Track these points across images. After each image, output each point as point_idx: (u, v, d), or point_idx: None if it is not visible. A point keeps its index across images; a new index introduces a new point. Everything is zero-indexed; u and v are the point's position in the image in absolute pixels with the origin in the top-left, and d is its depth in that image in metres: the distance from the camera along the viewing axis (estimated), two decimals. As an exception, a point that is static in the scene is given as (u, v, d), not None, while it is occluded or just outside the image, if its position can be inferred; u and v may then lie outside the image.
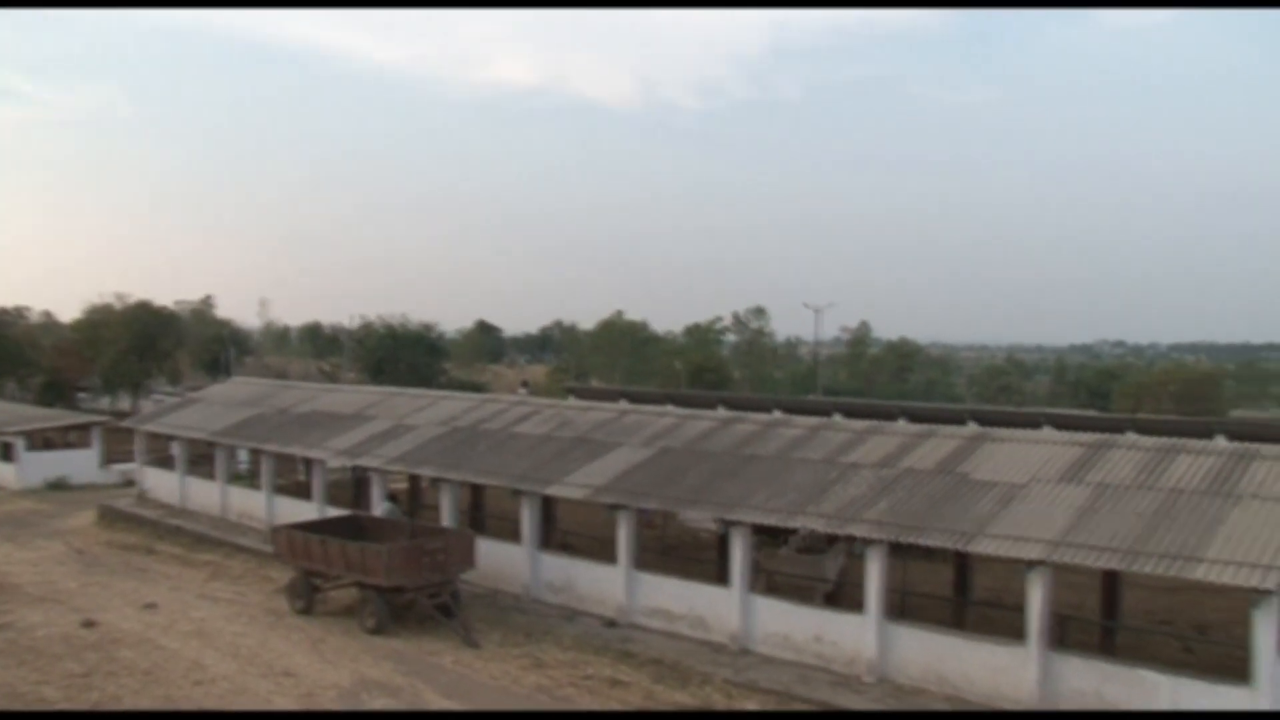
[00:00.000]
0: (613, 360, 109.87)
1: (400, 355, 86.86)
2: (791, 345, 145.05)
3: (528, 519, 24.79)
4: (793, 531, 22.24)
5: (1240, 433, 33.06)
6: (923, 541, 18.98)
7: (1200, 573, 16.22)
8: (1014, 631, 18.01)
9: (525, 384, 65.37)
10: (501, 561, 24.89)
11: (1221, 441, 21.40)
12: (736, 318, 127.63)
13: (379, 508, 27.79)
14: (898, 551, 20.26)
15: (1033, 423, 40.44)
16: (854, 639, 19.52)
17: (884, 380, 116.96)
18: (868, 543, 19.49)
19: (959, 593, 22.16)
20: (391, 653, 21.00)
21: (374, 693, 18.68)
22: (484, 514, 29.96)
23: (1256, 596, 15.68)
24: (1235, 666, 16.26)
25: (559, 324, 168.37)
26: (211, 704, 18.21)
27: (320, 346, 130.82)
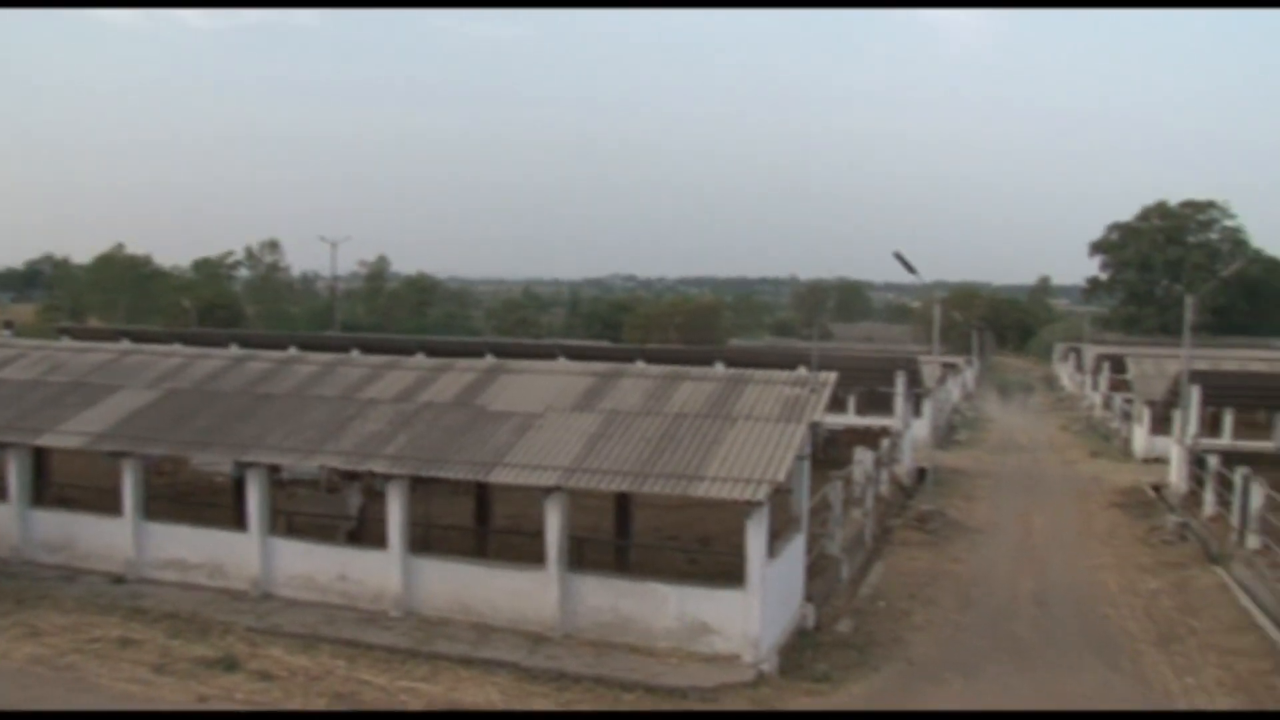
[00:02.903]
0: (113, 298, 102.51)
1: None
2: (308, 280, 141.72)
3: (15, 474, 22.47)
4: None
5: (736, 360, 35.92)
6: (443, 474, 19.07)
7: (702, 490, 17.38)
8: (535, 556, 18.48)
9: (9, 325, 59.36)
10: (-16, 524, 22.48)
11: (720, 368, 22.98)
12: (249, 252, 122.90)
13: None
14: (419, 485, 20.24)
15: (548, 354, 41.97)
16: (379, 575, 19.32)
17: (403, 315, 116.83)
18: (388, 478, 19.32)
19: (480, 522, 22.51)
20: None
21: None
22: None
23: (749, 508, 17.01)
24: (733, 572, 17.57)
25: (50, 258, 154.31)
26: None
27: None
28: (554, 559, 18.09)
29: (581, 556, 19.36)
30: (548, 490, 18.10)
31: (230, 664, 16.90)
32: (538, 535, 18.56)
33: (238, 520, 21.22)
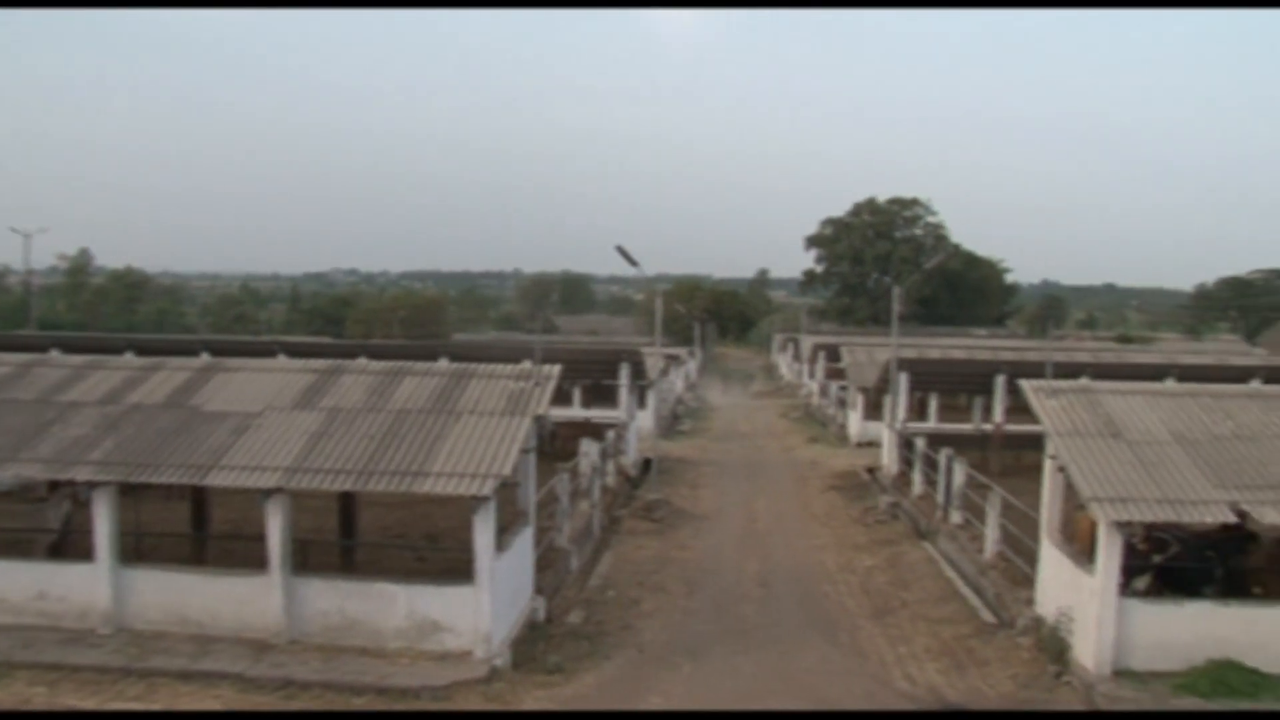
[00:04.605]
0: None
1: None
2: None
3: None
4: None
5: (461, 354, 35.68)
6: (155, 479, 18.07)
7: (427, 486, 17.15)
8: (257, 561, 17.80)
9: None
10: None
11: (444, 363, 22.70)
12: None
13: None
14: (130, 491, 19.15)
15: (268, 351, 40.61)
16: (85, 590, 18.12)
17: (110, 312, 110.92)
18: (94, 485, 18.18)
19: (198, 528, 21.49)
20: None
21: None
22: None
23: (475, 503, 16.89)
24: (462, 568, 17.40)
25: None
26: None
27: None
28: (276, 563, 17.49)
29: (306, 559, 18.79)
30: (268, 492, 17.45)
31: (-101, 703, 15.42)
32: (259, 539, 17.88)
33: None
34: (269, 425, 18.99)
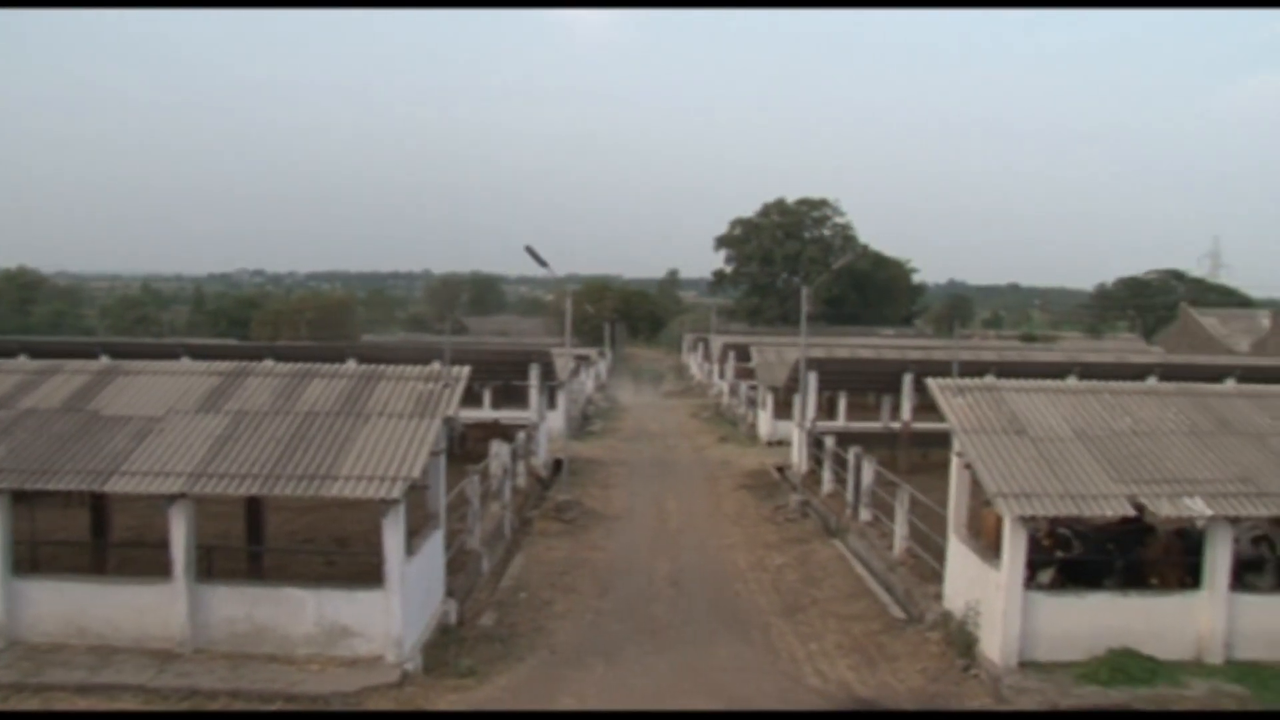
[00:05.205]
0: None
1: None
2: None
3: None
4: None
5: (369, 356, 35.27)
6: (51, 486, 17.56)
7: (335, 489, 16.90)
8: (160, 569, 17.41)
9: None
10: None
11: (352, 364, 22.43)
12: None
13: None
14: (25, 499, 18.64)
15: (170, 354, 39.82)
16: (-25, 603, 17.62)
17: (3, 313, 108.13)
18: (-13, 494, 17.63)
19: (98, 536, 20.98)
20: None
21: None
22: None
23: (385, 506, 16.72)
24: (372, 572, 17.22)
25: None
26: None
27: None
28: (180, 570, 17.11)
29: (211, 566, 18.48)
30: (171, 498, 17.09)
31: None
32: (163, 546, 17.50)
33: None
34: (172, 429, 18.59)
